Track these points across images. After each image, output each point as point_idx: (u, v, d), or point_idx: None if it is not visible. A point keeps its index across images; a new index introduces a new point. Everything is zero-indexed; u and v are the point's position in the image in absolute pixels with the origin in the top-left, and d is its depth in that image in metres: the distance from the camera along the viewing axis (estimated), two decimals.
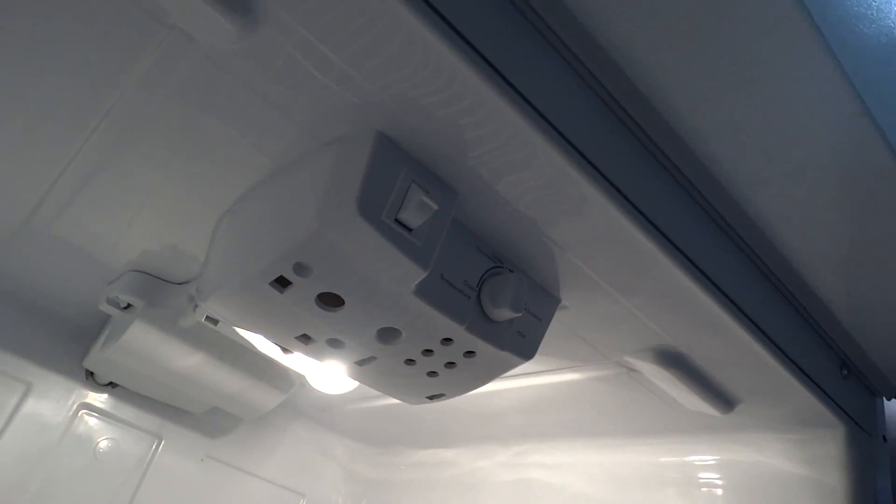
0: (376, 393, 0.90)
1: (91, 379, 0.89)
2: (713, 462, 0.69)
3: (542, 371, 0.68)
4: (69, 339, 0.88)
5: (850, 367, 0.61)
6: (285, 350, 0.61)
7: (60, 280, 0.81)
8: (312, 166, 0.45)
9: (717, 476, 0.68)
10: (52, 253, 0.75)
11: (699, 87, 0.40)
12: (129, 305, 0.73)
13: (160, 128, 0.50)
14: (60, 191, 0.63)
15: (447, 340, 0.49)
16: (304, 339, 0.51)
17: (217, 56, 0.40)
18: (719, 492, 0.67)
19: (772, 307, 0.53)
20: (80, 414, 0.88)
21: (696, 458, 0.70)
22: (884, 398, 0.66)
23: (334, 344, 0.50)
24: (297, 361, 0.65)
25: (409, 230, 0.42)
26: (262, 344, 0.63)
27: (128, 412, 0.91)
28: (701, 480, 0.69)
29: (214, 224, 0.60)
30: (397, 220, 0.41)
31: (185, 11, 0.37)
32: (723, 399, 0.60)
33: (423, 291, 0.45)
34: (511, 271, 0.50)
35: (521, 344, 0.51)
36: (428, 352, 0.50)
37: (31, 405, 0.84)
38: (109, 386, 0.90)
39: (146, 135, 0.51)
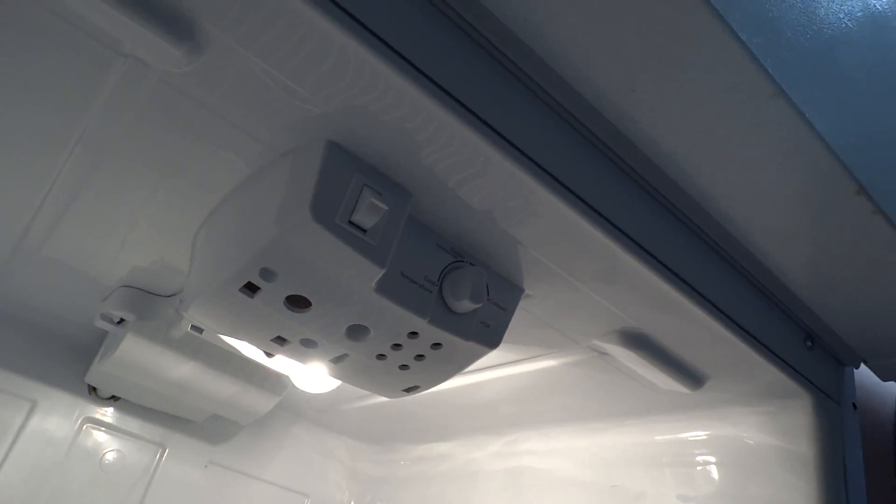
0: (367, 393, 0.92)
1: (94, 394, 0.92)
2: (695, 438, 0.71)
3: (521, 360, 0.70)
4: (70, 356, 0.91)
5: (814, 338, 0.63)
6: (268, 354, 0.64)
7: (57, 299, 0.84)
8: (270, 177, 0.48)
9: (697, 451, 0.70)
10: (45, 274, 0.78)
11: (621, 73, 0.42)
12: (122, 320, 0.76)
13: (132, 148, 0.53)
14: (46, 214, 0.66)
15: (413, 334, 0.51)
16: (279, 340, 0.53)
17: (171, 79, 0.42)
18: (700, 468, 0.69)
19: (726, 284, 0.55)
20: (84, 428, 0.91)
21: (678, 436, 0.72)
22: (853, 367, 0.67)
23: (308, 344, 0.53)
24: (280, 364, 0.68)
25: (364, 231, 0.44)
26: (246, 349, 0.65)
27: (131, 424, 0.94)
28: (684, 456, 0.71)
29: (193, 238, 0.62)
30: (351, 223, 0.44)
31: (134, 41, 0.39)
32: (690, 376, 0.62)
33: (383, 288, 0.48)
34: (472, 265, 0.52)
35: (486, 333, 0.53)
36: (397, 346, 0.53)
37: (37, 422, 0.87)
38: (112, 399, 0.93)
39: (121, 155, 0.54)
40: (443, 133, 0.42)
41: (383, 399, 0.91)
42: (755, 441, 0.65)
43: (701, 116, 0.42)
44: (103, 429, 0.92)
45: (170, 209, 0.60)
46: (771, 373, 0.60)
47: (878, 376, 0.66)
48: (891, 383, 0.81)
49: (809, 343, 0.62)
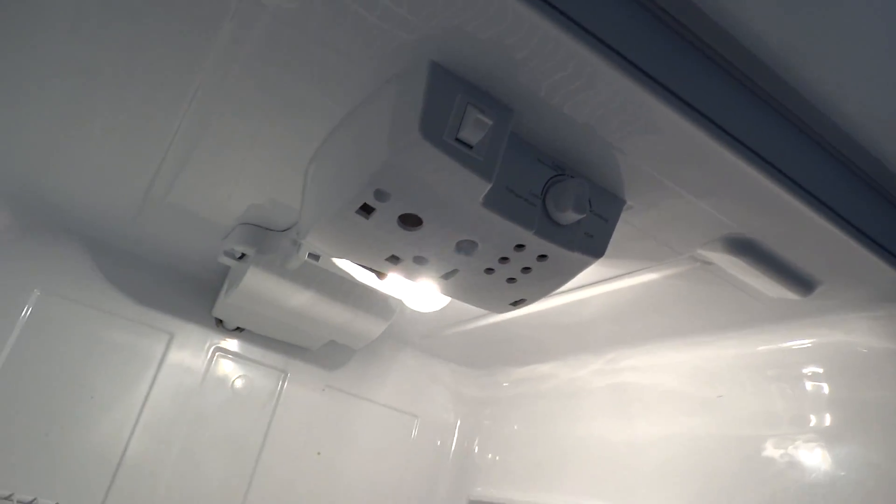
0: (471, 316, 0.96)
1: (221, 326, 1.01)
2: (800, 347, 0.70)
3: (621, 274, 0.71)
4: (198, 293, 1.00)
5: None
6: (380, 275, 0.68)
7: (184, 241, 0.92)
8: (377, 103, 0.50)
9: (805, 360, 0.69)
10: (172, 219, 0.86)
11: None
12: (242, 255, 0.83)
13: (248, 89, 0.56)
14: (169, 165, 0.72)
15: (520, 247, 0.53)
16: (393, 259, 0.57)
17: (283, 15, 0.45)
18: (810, 374, 0.69)
19: (838, 181, 0.54)
20: (216, 357, 1.00)
21: (782, 345, 0.72)
22: None
23: (419, 261, 0.56)
24: (392, 286, 0.72)
25: (470, 147, 0.46)
26: (359, 273, 0.70)
27: (256, 352, 1.03)
28: (789, 365, 0.71)
29: (304, 173, 0.67)
30: (458, 139, 0.46)
31: None
32: (801, 281, 0.61)
33: (490, 202, 0.50)
34: (574, 177, 0.53)
35: (590, 244, 0.55)
36: (504, 259, 0.55)
37: (175, 352, 0.97)
38: (237, 331, 1.02)
39: (237, 97, 0.58)
40: (545, 47, 0.43)
41: (486, 321, 0.96)
42: (867, 346, 0.64)
43: (805, 4, 0.41)
44: (232, 357, 1.01)
45: (281, 147, 0.64)
46: (885, 273, 0.58)
47: None
48: None
49: None
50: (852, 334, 0.66)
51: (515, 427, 1.08)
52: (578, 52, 0.43)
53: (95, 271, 0.93)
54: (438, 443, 1.18)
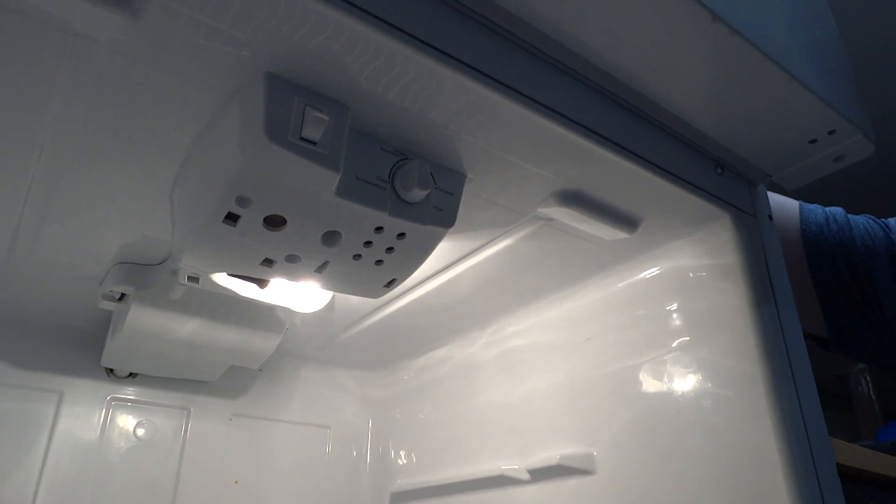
0: (358, 317, 1.01)
1: (112, 375, 1.00)
2: (647, 277, 0.81)
3: (481, 246, 0.79)
4: (84, 346, 0.98)
5: (723, 164, 0.72)
6: (261, 283, 0.72)
7: (59, 296, 0.91)
8: (225, 118, 0.55)
9: (651, 289, 0.80)
10: (42, 277, 0.85)
11: None
12: (122, 296, 0.83)
13: (97, 130, 0.59)
14: (27, 224, 0.72)
15: (378, 229, 0.59)
16: (267, 262, 0.61)
17: (119, 47, 0.49)
18: (657, 301, 0.79)
19: (637, 132, 0.64)
20: (112, 407, 0.99)
21: (629, 281, 0.82)
22: (763, 185, 0.77)
23: (292, 259, 0.61)
24: (274, 294, 0.76)
25: (314, 143, 0.52)
26: (240, 287, 0.73)
27: (154, 395, 1.03)
28: (639, 298, 0.81)
29: (169, 199, 0.69)
30: (302, 138, 0.51)
31: (81, 17, 0.45)
32: (626, 221, 0.71)
33: (344, 192, 0.55)
34: (415, 159, 0.60)
35: (441, 216, 0.62)
36: (367, 244, 0.61)
37: (68, 409, 0.95)
38: (131, 377, 1.01)
39: (86, 140, 0.60)
40: (367, 49, 0.49)
41: (373, 321, 1.01)
42: (693, 265, 0.75)
43: None
44: (129, 405, 1.00)
45: (144, 180, 0.67)
46: (691, 202, 0.69)
47: (786, 186, 0.76)
48: (790, 201, 0.92)
49: (720, 170, 0.72)
50: (680, 258, 0.77)
51: (422, 416, 1.14)
52: (399, 51, 0.49)
53: None
54: (354, 452, 1.22)
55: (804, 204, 0.93)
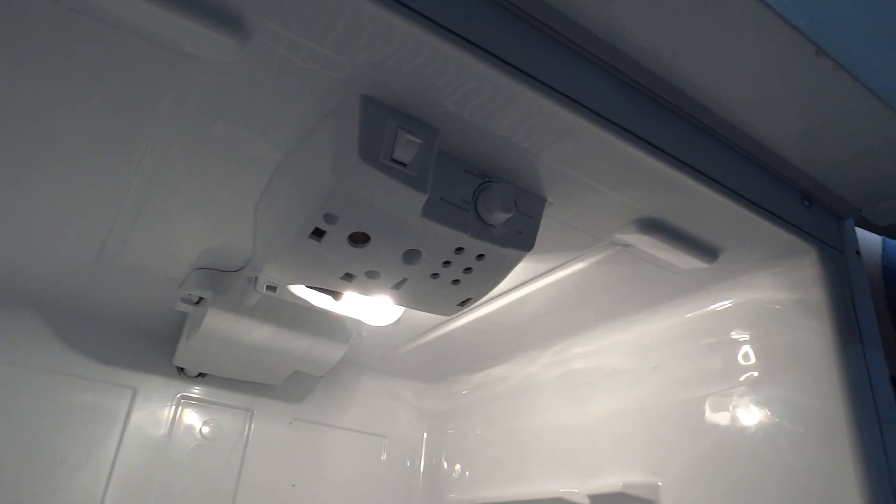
0: (422, 330, 1.02)
1: (183, 374, 1.03)
2: (720, 309, 0.79)
3: (554, 268, 0.79)
4: (158, 345, 1.02)
5: (811, 197, 0.70)
6: (335, 296, 0.73)
7: (138, 296, 0.95)
8: (318, 137, 0.56)
9: (726, 320, 0.78)
10: (125, 277, 0.89)
11: None
12: (200, 299, 0.86)
13: (194, 142, 0.61)
14: (119, 227, 0.76)
15: (459, 250, 0.60)
16: (347, 277, 0.62)
17: (226, 68, 0.50)
18: (732, 332, 0.77)
19: (723, 161, 0.63)
20: (181, 405, 1.02)
21: (703, 311, 0.80)
22: (851, 219, 0.75)
23: (371, 275, 0.62)
24: (348, 306, 0.77)
25: (405, 165, 0.52)
26: (315, 298, 0.75)
27: (220, 395, 1.06)
28: (713, 327, 0.79)
29: (253, 210, 0.71)
30: (393, 160, 0.52)
31: (193, 40, 0.47)
32: (705, 250, 0.70)
33: (428, 213, 0.56)
34: (498, 182, 0.60)
35: (521, 239, 0.62)
36: (447, 263, 0.61)
37: (140, 405, 0.98)
38: (200, 377, 1.04)
39: (183, 152, 0.63)
40: (460, 74, 0.50)
41: (435, 335, 1.02)
42: (772, 299, 0.73)
43: (673, 15, 0.50)
44: (197, 403, 1.03)
45: (229, 191, 0.69)
46: (776, 234, 0.67)
47: (875, 222, 0.73)
48: (871, 237, 0.88)
49: (807, 202, 0.70)
50: (759, 290, 0.75)
51: (479, 431, 1.14)
52: (491, 77, 0.50)
53: (52, 336, 0.94)
54: (408, 462, 1.23)
55: (887, 240, 0.89)
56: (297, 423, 1.11)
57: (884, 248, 0.88)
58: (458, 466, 1.17)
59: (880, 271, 0.85)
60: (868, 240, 0.88)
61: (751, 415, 0.72)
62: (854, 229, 0.75)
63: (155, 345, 1.02)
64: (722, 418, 0.75)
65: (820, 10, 0.52)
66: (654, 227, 0.67)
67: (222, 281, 0.83)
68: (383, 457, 1.20)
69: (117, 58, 0.51)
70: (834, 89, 0.55)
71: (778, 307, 0.73)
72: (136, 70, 0.52)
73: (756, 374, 0.73)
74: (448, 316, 0.71)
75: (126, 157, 0.64)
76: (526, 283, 0.83)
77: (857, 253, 0.73)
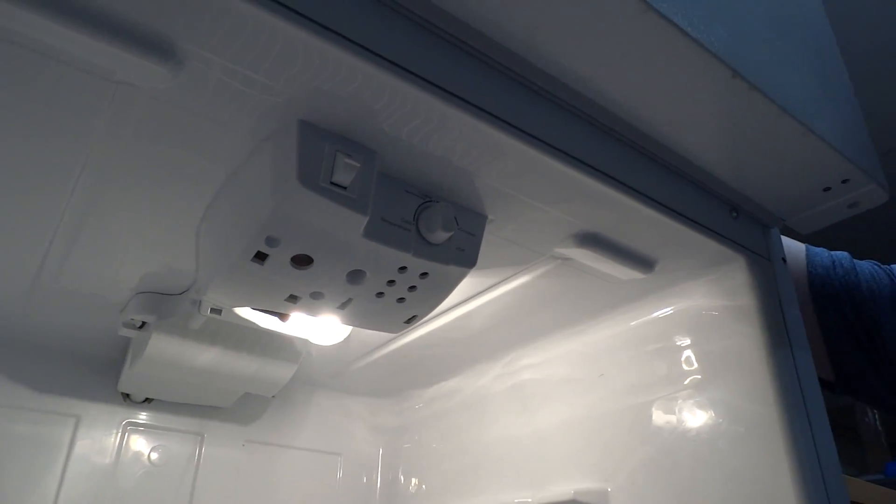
0: (372, 347, 1.03)
1: (128, 400, 1.01)
2: (662, 316, 0.82)
3: (498, 282, 0.80)
4: (101, 371, 0.99)
5: (738, 209, 0.74)
6: (282, 317, 0.73)
7: (79, 322, 0.92)
8: (257, 161, 0.57)
9: (667, 327, 0.81)
10: (65, 303, 0.87)
11: (522, 18, 0.51)
12: (143, 324, 0.85)
13: (131, 166, 0.61)
14: (56, 250, 0.74)
15: (402, 269, 0.61)
16: (292, 298, 0.63)
17: (160, 94, 0.50)
18: (673, 339, 0.80)
19: (653, 177, 0.65)
20: (127, 432, 1.00)
21: (645, 318, 0.83)
22: (777, 228, 0.78)
23: (316, 296, 0.62)
24: (294, 327, 0.77)
25: (344, 188, 0.53)
26: (262, 319, 0.75)
27: (168, 420, 1.03)
28: (655, 335, 0.82)
29: (195, 233, 0.71)
30: (332, 183, 0.53)
31: (124, 68, 0.47)
32: (642, 262, 0.72)
33: (370, 233, 0.57)
34: (438, 202, 0.62)
35: (463, 256, 0.63)
36: (391, 282, 0.62)
37: (84, 433, 0.96)
38: (146, 402, 1.02)
39: (119, 176, 0.62)
40: (395, 99, 0.51)
41: (386, 351, 1.02)
42: (709, 305, 0.76)
43: (595, 40, 0.52)
44: (144, 430, 1.01)
45: (169, 215, 0.68)
46: (707, 244, 0.71)
47: (799, 231, 0.77)
48: (796, 245, 0.93)
49: (735, 213, 0.73)
50: (696, 298, 0.78)
51: (434, 445, 1.15)
52: (424, 101, 0.51)
53: None
54: (364, 478, 1.22)
55: (810, 247, 0.94)
56: (249, 444, 1.10)
57: (808, 255, 0.92)
58: (414, 480, 1.17)
59: (806, 276, 0.90)
60: (793, 248, 0.93)
61: (694, 417, 0.75)
62: (780, 237, 0.79)
63: (98, 371, 1.00)
64: (667, 422, 0.77)
65: (734, 35, 0.55)
66: (592, 240, 0.69)
67: (166, 304, 0.82)
68: (339, 474, 1.19)
69: (44, 85, 0.50)
70: (751, 109, 0.58)
71: (715, 313, 0.76)
72: (65, 97, 0.52)
73: (698, 377, 0.76)
74: (395, 333, 0.72)
75: (59, 184, 0.62)
76: (471, 299, 0.84)
77: (783, 260, 0.77)
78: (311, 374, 1.15)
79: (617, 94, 0.58)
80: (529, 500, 0.89)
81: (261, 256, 0.57)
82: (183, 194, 0.64)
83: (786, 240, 0.93)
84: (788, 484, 0.64)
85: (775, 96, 0.57)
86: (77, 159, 0.59)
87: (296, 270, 0.59)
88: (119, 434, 0.99)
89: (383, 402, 1.28)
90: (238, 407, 1.10)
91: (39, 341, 0.96)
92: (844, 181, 0.68)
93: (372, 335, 0.99)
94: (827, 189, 0.70)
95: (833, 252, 0.92)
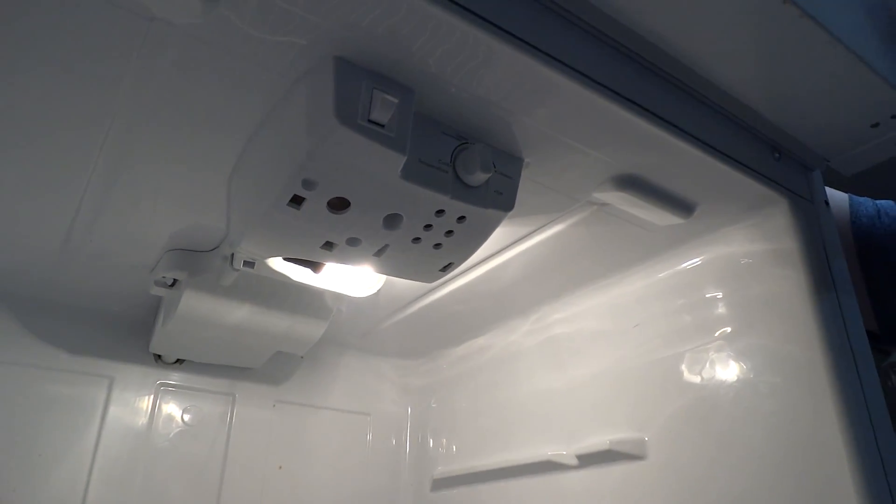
0: (402, 305, 1.02)
1: (160, 361, 1.01)
2: (693, 266, 0.80)
3: (531, 232, 0.79)
4: (133, 332, 1.00)
5: (780, 149, 0.71)
6: (315, 267, 0.72)
7: (110, 283, 0.92)
8: (292, 101, 0.55)
9: (700, 275, 0.79)
10: (95, 263, 0.87)
11: None
12: (174, 282, 0.85)
13: (161, 114, 0.59)
14: (86, 209, 0.73)
15: (440, 212, 0.60)
16: (328, 246, 0.62)
17: (193, 31, 0.49)
18: (706, 288, 0.79)
19: (695, 115, 0.63)
20: (160, 393, 1.00)
21: (678, 268, 0.82)
22: (819, 170, 0.76)
23: (352, 242, 0.62)
24: (327, 279, 0.76)
25: (382, 126, 0.52)
26: (294, 272, 0.74)
27: (201, 381, 1.04)
28: (688, 284, 0.80)
29: (226, 185, 0.70)
30: (370, 121, 0.51)
31: (160, 2, 0.46)
32: (681, 206, 0.71)
33: (408, 175, 0.56)
34: (476, 143, 0.60)
35: (501, 200, 0.62)
36: (428, 227, 0.61)
37: (118, 395, 0.96)
38: (178, 363, 1.03)
39: (149, 125, 0.61)
40: (438, 33, 0.49)
41: (415, 309, 1.02)
42: (746, 251, 0.75)
43: None
44: (177, 390, 1.02)
45: (199, 168, 0.67)
46: (749, 186, 0.69)
47: (842, 172, 0.75)
48: (839, 195, 0.91)
49: (777, 154, 0.71)
50: (733, 244, 0.76)
51: (463, 404, 1.14)
52: (470, 35, 0.49)
53: (23, 329, 0.92)
54: (393, 439, 1.23)
55: (854, 196, 0.92)
56: (279, 405, 1.10)
57: (851, 205, 0.90)
58: (444, 440, 1.17)
59: (849, 227, 0.87)
60: (836, 197, 0.91)
61: (732, 364, 0.73)
62: (822, 180, 0.77)
63: (130, 332, 1.00)
64: (703, 370, 0.76)
65: None
66: (632, 183, 0.67)
67: (197, 261, 0.82)
68: (368, 435, 1.20)
69: (79, 23, 0.49)
70: (801, 37, 0.56)
71: (750, 260, 0.75)
72: (99, 37, 0.51)
73: (733, 326, 0.75)
74: (430, 283, 0.71)
75: (90, 133, 0.62)
76: (504, 250, 0.83)
77: (826, 203, 0.75)
78: (339, 334, 1.15)
79: (660, 26, 0.56)
80: (563, 451, 0.89)
81: (297, 200, 0.56)
82: (215, 142, 0.63)
83: (828, 189, 0.91)
84: (835, 426, 0.62)
85: (826, 24, 0.55)
86: (108, 107, 0.58)
87: (332, 215, 0.58)
88: (152, 395, 1.00)
89: (412, 363, 1.28)
90: (268, 368, 1.10)
91: (72, 303, 0.96)
92: (894, 115, 0.66)
93: (401, 292, 0.98)
94: (875, 125, 0.67)
95: (878, 201, 0.90)
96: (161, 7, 0.47)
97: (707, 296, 0.78)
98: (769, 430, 0.67)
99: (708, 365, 0.76)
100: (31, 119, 0.60)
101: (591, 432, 0.87)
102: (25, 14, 0.48)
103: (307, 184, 0.54)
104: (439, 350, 1.22)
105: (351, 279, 0.79)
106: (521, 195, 0.65)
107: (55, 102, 0.58)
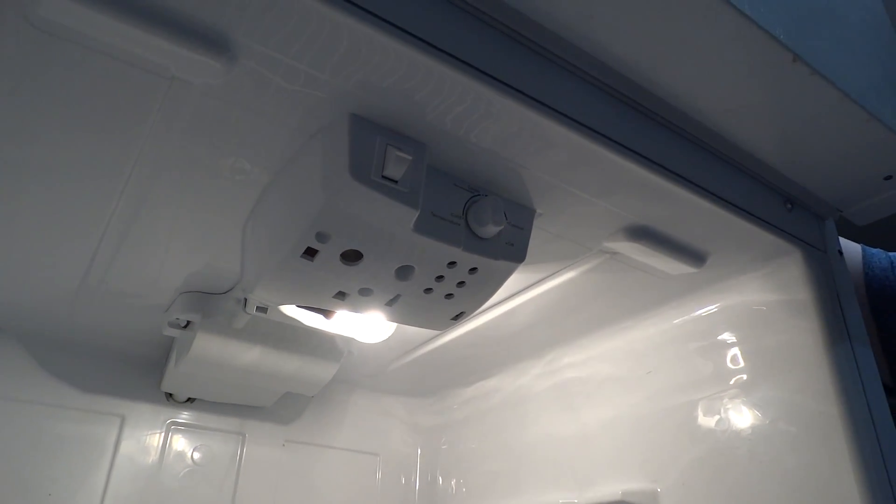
0: (412, 346, 1.02)
1: (171, 399, 1.01)
2: (708, 313, 0.80)
3: (544, 278, 0.79)
4: (145, 371, 1.01)
5: (792, 200, 0.71)
6: (327, 314, 0.73)
7: (123, 323, 0.93)
8: (308, 156, 0.56)
9: (715, 324, 0.79)
10: (110, 304, 0.87)
11: (578, 6, 0.50)
12: (188, 323, 0.85)
13: (180, 164, 0.60)
14: (103, 253, 0.74)
15: (451, 264, 0.60)
16: (340, 295, 0.62)
17: (211, 90, 0.50)
18: (721, 336, 0.78)
19: (707, 167, 0.64)
20: (170, 431, 1.00)
21: (692, 315, 0.81)
22: (832, 219, 0.76)
23: (365, 293, 0.62)
24: (339, 324, 0.77)
25: (395, 181, 0.53)
26: (307, 317, 0.74)
27: (210, 420, 1.04)
28: (703, 331, 0.80)
29: (241, 231, 0.71)
30: (384, 177, 0.52)
31: (179, 63, 0.47)
32: (693, 255, 0.71)
33: (420, 228, 0.56)
34: (488, 195, 0.61)
35: (512, 251, 0.62)
36: (440, 278, 0.61)
37: (129, 433, 0.97)
38: (189, 402, 1.03)
39: (168, 174, 0.62)
40: (442, 87, 0.50)
41: (425, 351, 1.01)
42: (760, 300, 0.74)
43: (653, 26, 0.51)
44: (187, 429, 1.02)
45: (215, 214, 0.68)
46: (761, 237, 0.69)
47: (855, 222, 0.74)
48: (852, 246, 0.90)
49: (789, 205, 0.71)
50: (746, 293, 0.76)
51: (473, 445, 1.14)
52: (472, 88, 0.50)
53: (35, 366, 0.93)
54: (402, 479, 1.22)
55: (867, 248, 0.91)
56: (289, 444, 1.10)
57: (864, 256, 0.89)
58: (453, 482, 1.16)
59: (862, 278, 0.87)
60: (849, 248, 0.90)
61: (747, 416, 0.73)
62: (835, 230, 0.76)
63: (142, 371, 1.00)
64: (718, 421, 0.75)
65: (795, 19, 0.54)
66: (642, 234, 0.67)
67: (210, 304, 0.83)
68: (378, 475, 1.19)
69: (100, 82, 0.50)
70: (811, 94, 0.56)
71: (765, 309, 0.74)
72: (120, 94, 0.52)
73: (748, 375, 0.74)
74: (441, 330, 0.71)
75: (111, 182, 0.63)
76: (516, 295, 0.83)
77: (840, 253, 0.74)
78: (349, 373, 1.15)
79: (671, 81, 0.57)
80: (575, 500, 0.88)
81: (311, 252, 0.57)
82: (230, 192, 0.64)
83: (841, 240, 0.90)
84: (852, 484, 0.61)
85: (837, 81, 0.55)
86: (129, 156, 0.59)
87: (345, 266, 0.58)
88: (163, 433, 1.00)
89: (422, 402, 1.27)
90: (278, 407, 1.10)
91: (86, 342, 0.97)
92: None
93: (411, 334, 0.98)
94: (888, 178, 0.67)
95: (891, 253, 0.89)
96: (181, 67, 0.48)
97: (722, 343, 0.77)
98: (785, 484, 0.66)
99: (722, 413, 0.75)
100: (56, 169, 0.61)
101: (602, 480, 0.86)
102: (52, 74, 0.50)
103: (321, 237, 0.55)
104: (449, 390, 1.22)
105: (362, 325, 0.79)
106: (534, 243, 0.65)
107: (79, 154, 0.59)
